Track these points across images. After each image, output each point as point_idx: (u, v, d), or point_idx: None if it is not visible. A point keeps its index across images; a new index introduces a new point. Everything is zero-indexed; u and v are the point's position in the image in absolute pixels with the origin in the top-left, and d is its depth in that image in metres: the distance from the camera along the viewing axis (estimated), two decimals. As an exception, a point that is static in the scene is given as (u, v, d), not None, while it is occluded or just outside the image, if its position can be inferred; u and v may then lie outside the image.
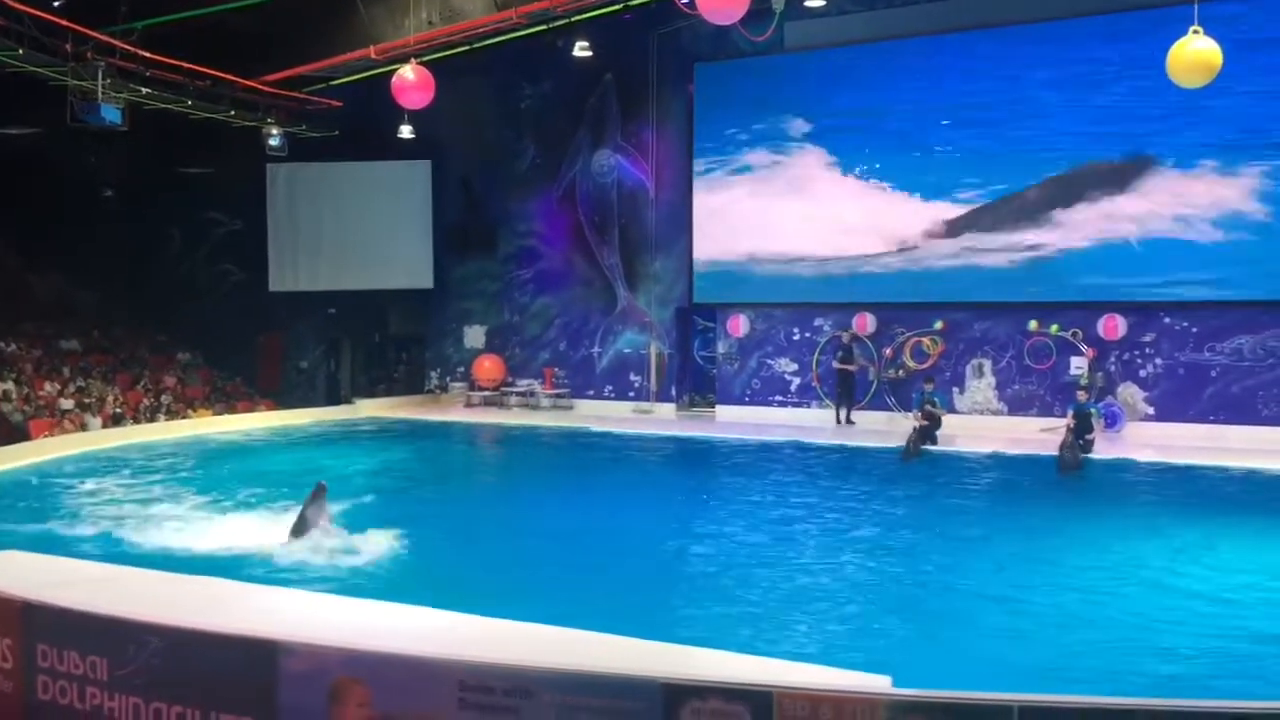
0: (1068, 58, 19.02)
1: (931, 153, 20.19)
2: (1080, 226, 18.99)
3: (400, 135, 21.18)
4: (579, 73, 22.57)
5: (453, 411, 24.15)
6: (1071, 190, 19.07)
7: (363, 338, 26.58)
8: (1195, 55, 11.53)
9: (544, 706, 5.06)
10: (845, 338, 20.62)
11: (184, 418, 21.46)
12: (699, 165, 22.49)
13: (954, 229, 20.03)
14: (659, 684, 5.06)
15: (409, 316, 26.38)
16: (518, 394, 24.51)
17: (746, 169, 21.95)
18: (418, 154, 24.16)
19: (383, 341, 26.85)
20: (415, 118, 20.44)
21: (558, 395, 24.25)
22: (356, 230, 24.87)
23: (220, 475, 15.48)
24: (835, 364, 20.54)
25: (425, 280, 25.44)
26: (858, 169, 20.93)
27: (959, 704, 5.03)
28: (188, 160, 24.21)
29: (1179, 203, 18.22)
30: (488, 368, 24.88)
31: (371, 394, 25.44)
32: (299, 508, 11.07)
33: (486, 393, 24.70)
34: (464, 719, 5.20)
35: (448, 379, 25.96)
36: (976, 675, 6.86)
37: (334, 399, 25.07)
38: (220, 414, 22.21)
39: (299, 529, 10.62)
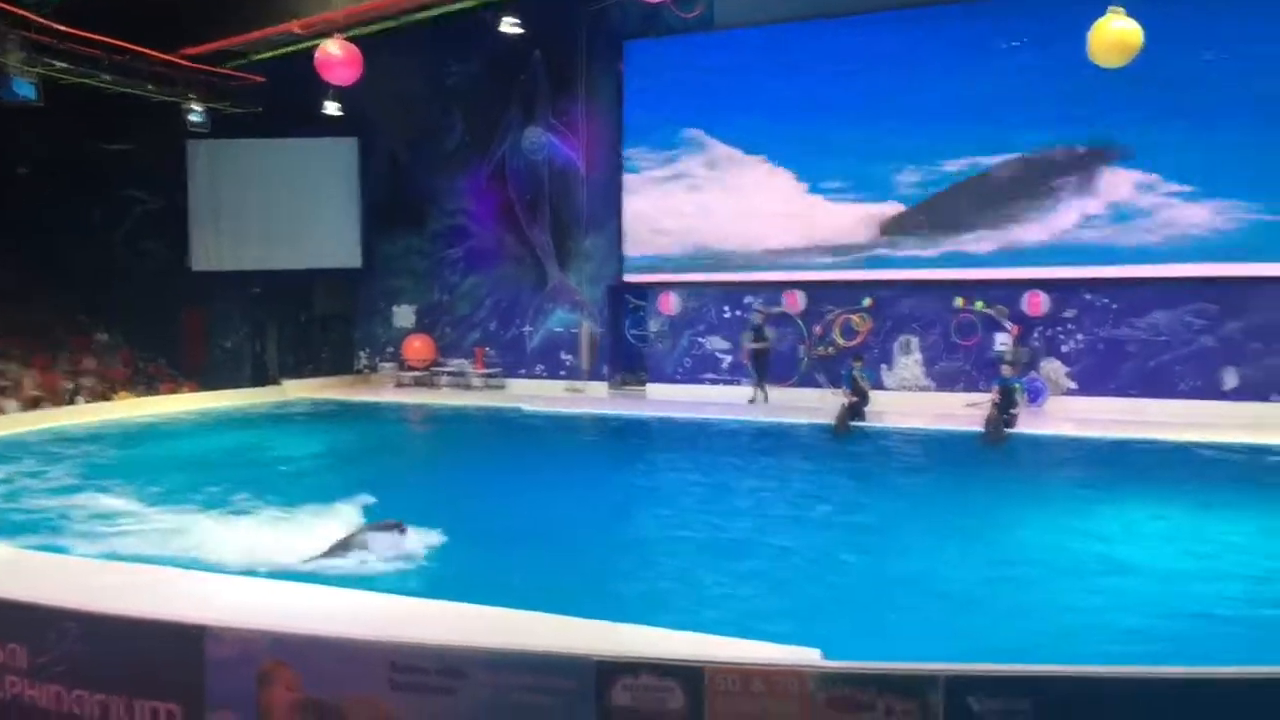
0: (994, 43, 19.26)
1: (863, 140, 20.22)
2: (1014, 230, 19.25)
3: (326, 112, 20.84)
4: (508, 50, 22.36)
5: (383, 392, 23.93)
6: (1010, 189, 19.27)
7: (289, 317, 26.18)
8: (1115, 34, 11.74)
9: (477, 686, 5.05)
10: (757, 318, 20.76)
11: (105, 400, 20.97)
12: (629, 143, 22.44)
13: (887, 228, 20.19)
14: (592, 662, 5.07)
15: (337, 296, 26.04)
16: (449, 374, 24.35)
17: (676, 149, 21.93)
18: (344, 131, 23.79)
19: (310, 321, 26.47)
20: (341, 94, 20.17)
21: (489, 375, 24.12)
22: (282, 208, 24.43)
23: (153, 462, 15.17)
24: (747, 344, 20.67)
25: (353, 259, 25.11)
26: (788, 159, 20.93)
27: (887, 675, 5.10)
28: (106, 137, 23.57)
29: (1109, 189, 18.56)
30: (418, 347, 24.67)
31: (299, 374, 25.09)
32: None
33: (417, 373, 24.50)
34: (396, 700, 5.16)
35: (377, 359, 25.70)
36: (905, 646, 6.98)
37: (260, 380, 24.67)
38: (142, 396, 21.74)
39: (346, 548, 9.62)
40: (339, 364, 25.88)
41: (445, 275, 24.95)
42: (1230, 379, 17.89)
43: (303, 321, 26.37)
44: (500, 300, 24.34)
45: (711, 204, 21.66)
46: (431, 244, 25.01)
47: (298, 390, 23.75)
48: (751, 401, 20.37)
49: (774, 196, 21.06)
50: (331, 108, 20.78)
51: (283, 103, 23.12)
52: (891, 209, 20.14)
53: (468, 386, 23.96)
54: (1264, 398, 17.56)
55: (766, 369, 20.59)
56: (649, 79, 22.18)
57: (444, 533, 9.93)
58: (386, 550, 9.42)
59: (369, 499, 11.36)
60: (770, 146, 21.12)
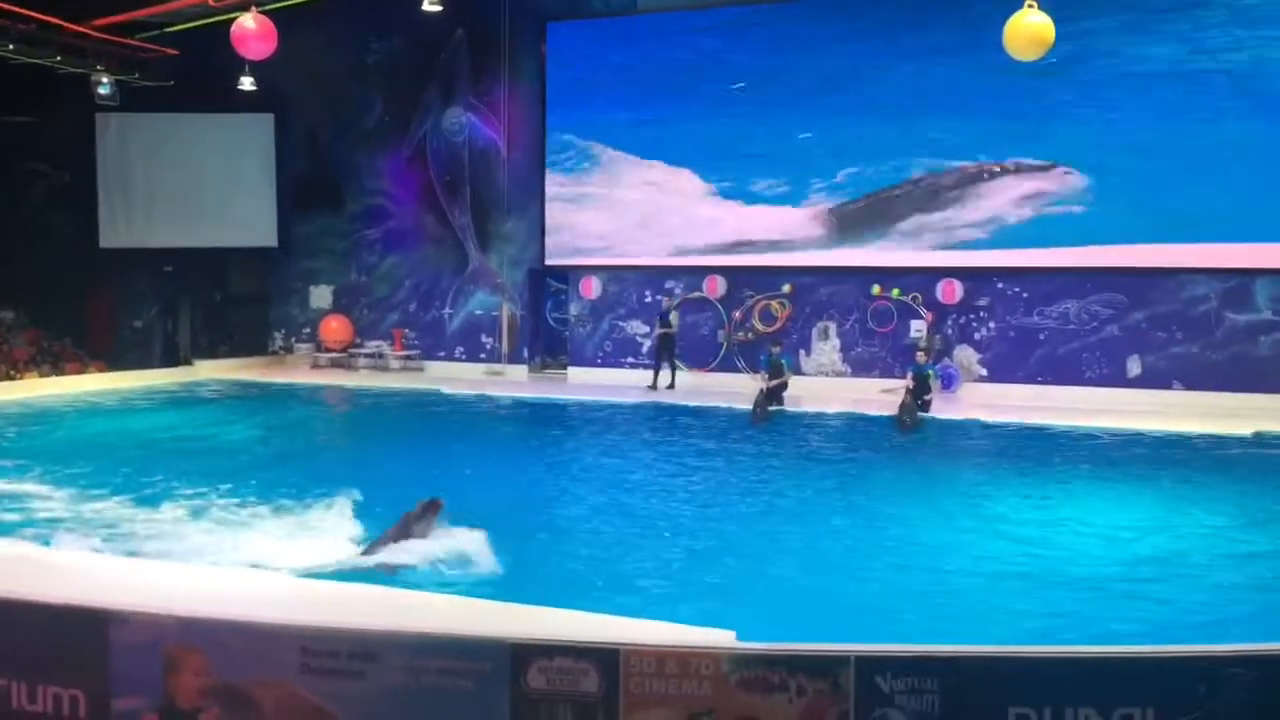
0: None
1: (789, 135, 20.34)
2: (928, 231, 19.57)
3: (241, 87, 20.40)
4: (429, 27, 22.08)
5: (299, 373, 23.56)
6: (926, 192, 19.61)
7: (202, 297, 25.62)
8: (1030, 29, 11.97)
9: (390, 670, 5.01)
10: (666, 303, 20.80)
11: (9, 380, 20.35)
12: (552, 126, 22.33)
13: (812, 228, 20.39)
14: (506, 644, 5.06)
15: (251, 275, 25.54)
16: (366, 355, 24.06)
17: (599, 132, 21.87)
18: (260, 106, 23.31)
19: (223, 301, 25.92)
20: (257, 69, 19.74)
21: (408, 357, 23.89)
22: (195, 185, 23.87)
23: (60, 444, 14.76)
24: (656, 329, 20.65)
25: (269, 238, 24.65)
26: (704, 157, 21.00)
27: (799, 656, 5.17)
28: (10, 108, 22.78)
29: (1018, 186, 18.96)
30: (335, 329, 24.33)
31: (212, 355, 24.58)
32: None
33: (334, 354, 24.16)
34: (307, 684, 5.10)
35: (293, 340, 25.30)
36: (819, 627, 7.08)
37: (171, 360, 24.12)
38: (47, 376, 21.14)
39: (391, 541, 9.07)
40: (253, 345, 25.40)
41: (364, 256, 24.62)
42: (1135, 367, 18.42)
43: (216, 301, 25.81)
44: (420, 282, 24.10)
45: (631, 194, 21.64)
46: (350, 224, 24.65)
47: (210, 371, 23.28)
48: (651, 388, 20.20)
49: (688, 198, 21.06)
50: (246, 83, 20.33)
51: (196, 77, 22.56)
52: (811, 211, 20.29)
53: (386, 368, 23.70)
54: (1166, 385, 18.11)
55: (672, 355, 20.54)
56: (571, 61, 22.08)
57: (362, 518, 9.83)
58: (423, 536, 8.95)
59: (286, 491, 11.18)
60: (685, 143, 21.10)
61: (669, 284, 21.69)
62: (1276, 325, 17.67)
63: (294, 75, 22.36)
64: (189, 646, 5.19)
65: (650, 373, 20.75)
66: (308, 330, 25.03)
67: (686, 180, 21.20)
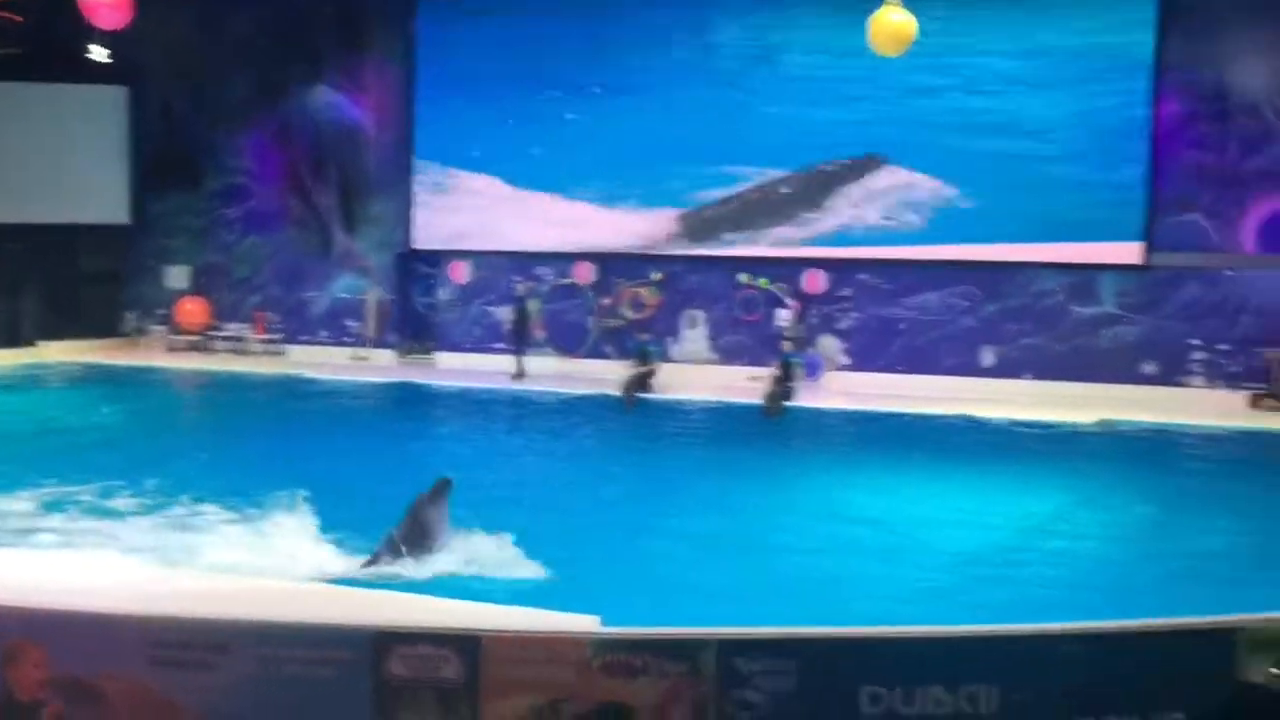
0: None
1: (668, 127, 20.38)
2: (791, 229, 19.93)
3: (92, 57, 19.53)
4: (295, 2, 21.49)
5: (153, 356, 22.72)
6: (786, 198, 19.94)
7: (48, 275, 24.40)
8: (892, 26, 12.28)
9: (243, 660, 4.88)
10: (521, 289, 20.70)
11: None
12: (421, 107, 21.99)
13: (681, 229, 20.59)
14: (368, 632, 4.99)
15: (103, 253, 24.45)
16: (225, 339, 23.34)
17: (470, 115, 21.60)
18: (113, 78, 22.33)
19: (72, 280, 24.75)
20: (110, 39, 18.92)
21: (269, 341, 23.26)
22: (41, 158, 22.72)
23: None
24: (509, 317, 20.53)
25: (121, 215, 23.67)
26: (571, 164, 20.87)
27: (663, 640, 5.23)
28: None
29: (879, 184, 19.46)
30: (191, 310, 23.53)
31: (58, 336, 23.47)
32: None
33: (191, 337, 23.37)
34: (156, 676, 4.94)
35: (147, 321, 24.36)
36: (685, 611, 7.18)
37: (13, 341, 22.96)
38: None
39: (410, 540, 8.47)
40: (104, 326, 24.33)
41: (223, 236, 23.85)
42: (988, 357, 19.10)
43: (64, 280, 24.63)
44: (282, 264, 23.46)
45: (500, 183, 21.46)
46: (208, 202, 23.84)
47: (56, 353, 22.27)
48: (515, 376, 20.05)
49: (553, 207, 21.01)
50: (99, 53, 19.47)
51: (45, 45, 21.46)
52: (669, 215, 20.48)
53: (246, 352, 23.03)
54: (1017, 375, 18.83)
55: (526, 342, 20.41)
56: (443, 40, 21.76)
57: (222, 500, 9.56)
58: (437, 527, 8.44)
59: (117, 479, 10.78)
60: (544, 142, 21.01)
61: (539, 269, 21.61)
62: (1119, 319, 18.52)
63: (150, 47, 21.48)
64: (29, 639, 4.97)
65: (531, 358, 20.69)
66: (163, 312, 24.14)
67: (533, 194, 21.09)
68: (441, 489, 8.71)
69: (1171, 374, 18.23)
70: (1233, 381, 17.93)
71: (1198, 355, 18.17)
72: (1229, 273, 18.11)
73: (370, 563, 8.34)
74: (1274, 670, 4.97)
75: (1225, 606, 6.49)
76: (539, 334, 21.20)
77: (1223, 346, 18.06)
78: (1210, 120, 17.94)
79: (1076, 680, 5.02)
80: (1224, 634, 5.23)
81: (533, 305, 20.64)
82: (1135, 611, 7.11)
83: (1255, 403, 17.38)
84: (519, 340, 20.28)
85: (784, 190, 19.93)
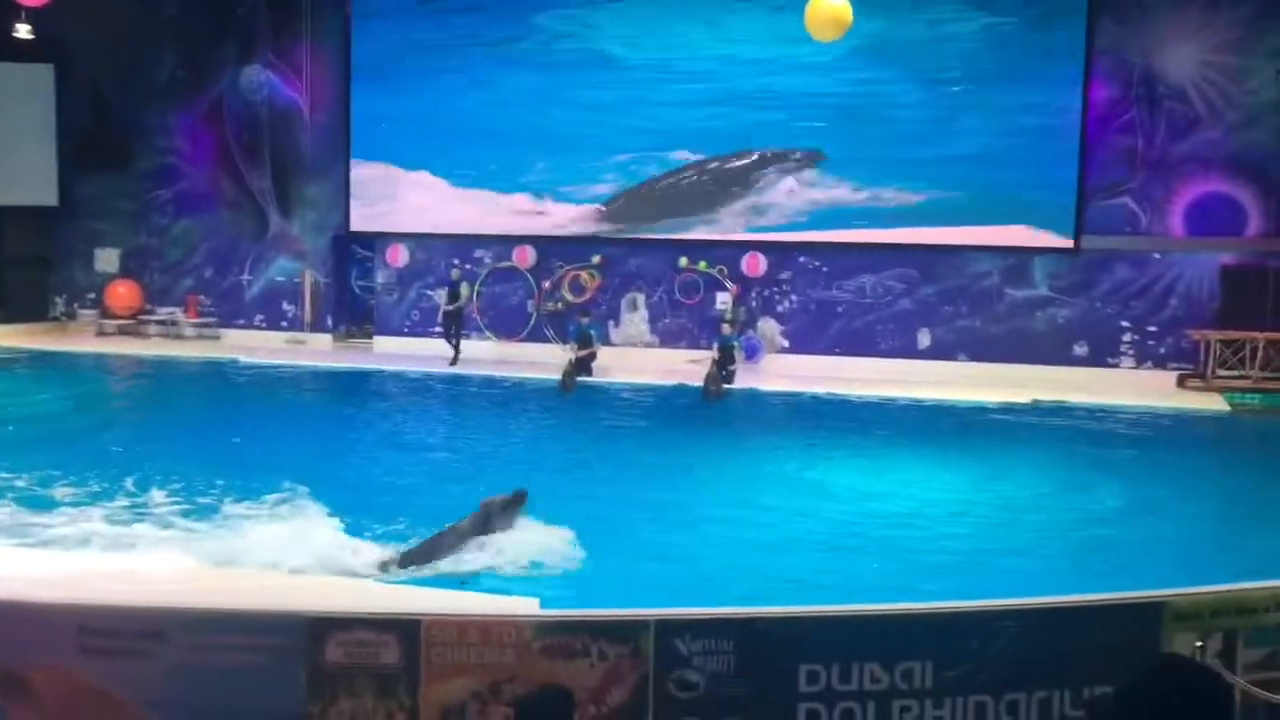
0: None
1: (602, 114, 20.33)
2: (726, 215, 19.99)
3: (15, 34, 19.01)
4: (226, -20, 21.09)
5: (83, 341, 22.23)
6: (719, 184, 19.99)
7: (-27, 258, 23.83)
8: (829, 11, 12.33)
9: (177, 648, 4.82)
10: (455, 274, 20.51)
11: None
12: (358, 89, 21.69)
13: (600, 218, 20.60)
14: (303, 618, 4.95)
15: (30, 236, 23.86)
16: (158, 323, 22.91)
17: (405, 96, 21.36)
18: (38, 57, 21.75)
19: (-2, 263, 24.17)
20: (35, 16, 18.44)
21: (203, 325, 22.87)
22: (-36, 138, 22.15)
23: None
24: (444, 305, 20.25)
25: (48, 196, 23.10)
26: (503, 150, 20.76)
27: (600, 622, 5.25)
28: None
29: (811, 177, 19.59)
30: (122, 294, 23.05)
31: (-17, 321, 22.91)
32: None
33: (122, 321, 22.91)
34: (87, 666, 4.86)
35: (76, 305, 23.85)
36: (624, 593, 7.21)
37: (-65, 326, 22.39)
38: None
39: (471, 537, 8.28)
40: (31, 310, 23.74)
41: (154, 218, 23.38)
42: (924, 339, 19.34)
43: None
44: (216, 246, 23.07)
45: (437, 165, 21.26)
46: (139, 184, 23.35)
47: (-19, 338, 21.73)
48: (451, 362, 19.72)
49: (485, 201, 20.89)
50: (23, 30, 18.95)
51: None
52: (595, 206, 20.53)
53: (179, 336, 22.63)
54: (952, 357, 19.09)
55: (460, 328, 20.12)
56: (377, 18, 21.46)
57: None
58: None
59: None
60: (483, 131, 20.80)
61: (478, 252, 21.47)
62: (1052, 301, 18.84)
63: (77, 24, 20.95)
64: (-47, 631, 4.87)
65: (475, 342, 20.60)
66: (92, 296, 23.64)
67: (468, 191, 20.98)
68: (517, 500, 8.64)
69: (1102, 355, 18.59)
70: (1161, 362, 18.33)
71: (1128, 337, 18.55)
72: (1158, 256, 18.48)
73: (414, 558, 8.06)
74: (1199, 643, 5.10)
75: (1146, 577, 6.68)
76: (476, 317, 21.08)
77: (1152, 328, 18.45)
78: (1140, 105, 18.27)
79: (1009, 655, 5.12)
80: (1150, 608, 5.37)
81: (465, 289, 20.42)
82: (1055, 581, 7.30)
83: (1182, 383, 17.78)
84: (454, 325, 20.01)
85: (723, 170, 19.96)
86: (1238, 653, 5.36)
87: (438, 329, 20.87)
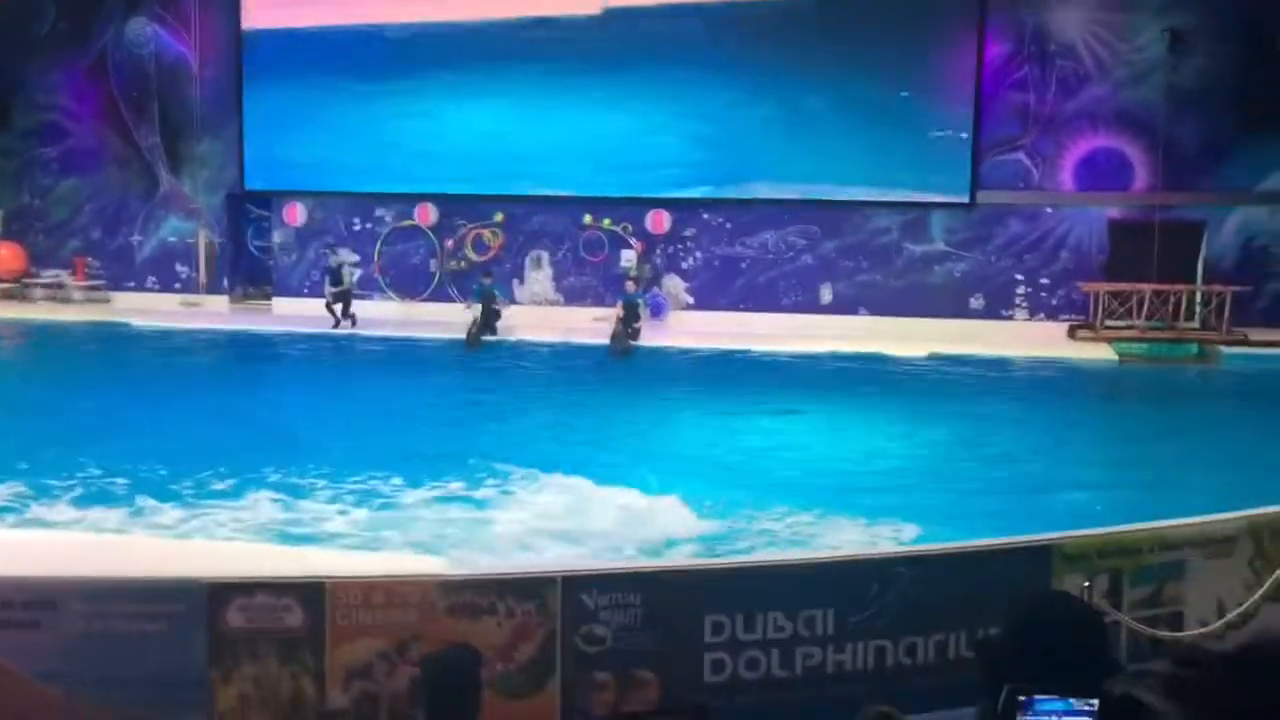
0: None
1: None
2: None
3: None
4: (107, -73, 20.23)
5: (-37, 306, 21.36)
6: None
7: None
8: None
9: (71, 617, 4.71)
10: (333, 261, 19.81)
11: None
12: (249, 41, 21.05)
13: None
14: (201, 584, 4.86)
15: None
16: (43, 286, 22.09)
17: (304, 47, 20.79)
18: (-94, 7, 20.69)
19: None
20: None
21: (91, 287, 22.13)
22: None
23: None
24: (327, 289, 19.58)
25: (-78, 155, 22.08)
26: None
27: (507, 579, 5.27)
28: None
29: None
30: (4, 256, 22.17)
31: None
32: None
33: (4, 285, 22.05)
34: (-25, 640, 4.72)
35: (-45, 269, 22.88)
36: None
37: None
38: None
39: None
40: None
41: (37, 177, 22.48)
42: (826, 294, 19.59)
43: None
44: (104, 206, 22.28)
45: (339, 114, 20.76)
46: (21, 141, 22.40)
47: None
48: (336, 326, 19.13)
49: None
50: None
51: None
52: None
53: (67, 300, 21.86)
54: (854, 311, 19.38)
55: (348, 308, 19.37)
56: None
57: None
58: None
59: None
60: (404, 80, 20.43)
61: (378, 211, 21.10)
62: (949, 256, 19.21)
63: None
64: None
65: (380, 301, 20.37)
66: (-27, 258, 22.70)
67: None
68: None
69: (997, 308, 19.05)
70: (1053, 314, 18.86)
71: (1021, 289, 19.02)
72: (1049, 210, 18.95)
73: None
74: (1086, 583, 5.30)
75: (1036, 521, 6.91)
76: (377, 277, 20.75)
77: (1044, 280, 18.94)
78: (1032, 61, 18.63)
79: (906, 600, 5.27)
80: (1041, 551, 5.57)
81: (347, 275, 19.82)
82: (952, 527, 7.52)
83: (1073, 333, 18.32)
84: (341, 305, 19.37)
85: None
86: (1124, 591, 5.59)
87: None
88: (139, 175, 22.01)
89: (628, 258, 20.05)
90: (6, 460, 9.64)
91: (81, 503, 8.68)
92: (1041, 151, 18.76)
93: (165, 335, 18.85)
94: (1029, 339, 17.98)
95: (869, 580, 5.28)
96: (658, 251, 20.12)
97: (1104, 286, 18.08)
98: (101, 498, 8.78)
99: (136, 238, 22.16)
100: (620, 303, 18.15)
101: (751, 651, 5.18)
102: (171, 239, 22.05)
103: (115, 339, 18.69)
